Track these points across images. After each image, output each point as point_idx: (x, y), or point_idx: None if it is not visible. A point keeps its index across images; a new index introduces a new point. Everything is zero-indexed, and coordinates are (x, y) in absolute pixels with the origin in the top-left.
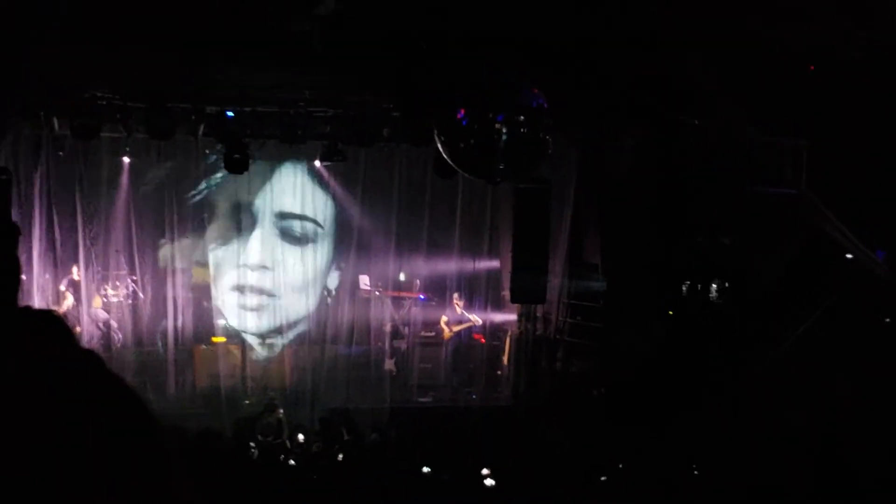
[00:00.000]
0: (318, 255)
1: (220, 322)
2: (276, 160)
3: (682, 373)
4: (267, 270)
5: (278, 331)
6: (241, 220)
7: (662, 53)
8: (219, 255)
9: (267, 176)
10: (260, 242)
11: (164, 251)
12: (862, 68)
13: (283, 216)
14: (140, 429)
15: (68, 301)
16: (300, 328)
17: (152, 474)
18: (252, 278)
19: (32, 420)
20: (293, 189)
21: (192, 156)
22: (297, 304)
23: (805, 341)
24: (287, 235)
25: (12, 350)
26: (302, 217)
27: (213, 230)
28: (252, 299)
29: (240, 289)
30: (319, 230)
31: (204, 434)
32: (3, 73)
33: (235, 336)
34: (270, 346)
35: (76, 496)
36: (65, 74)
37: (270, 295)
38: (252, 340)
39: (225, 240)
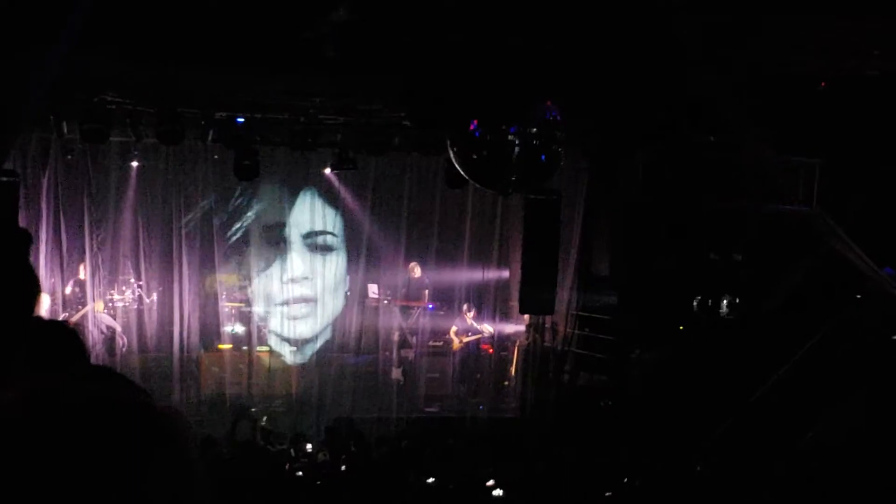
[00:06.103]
0: (338, 260)
1: (227, 329)
2: (294, 187)
3: (691, 387)
4: (307, 280)
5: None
6: (279, 243)
7: (677, 71)
8: (263, 279)
9: (289, 202)
10: (298, 257)
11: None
12: (874, 86)
13: (307, 235)
14: (159, 447)
15: (86, 306)
16: (328, 334)
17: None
18: (296, 290)
19: (44, 439)
20: (311, 210)
21: (201, 162)
22: (331, 306)
23: (814, 358)
24: (314, 248)
25: (26, 363)
26: (321, 232)
27: (255, 257)
28: (299, 309)
29: (286, 302)
30: (335, 239)
31: (207, 441)
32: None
33: (242, 343)
34: (301, 353)
35: None
36: (74, 79)
37: (314, 301)
38: (287, 349)
39: (267, 263)
